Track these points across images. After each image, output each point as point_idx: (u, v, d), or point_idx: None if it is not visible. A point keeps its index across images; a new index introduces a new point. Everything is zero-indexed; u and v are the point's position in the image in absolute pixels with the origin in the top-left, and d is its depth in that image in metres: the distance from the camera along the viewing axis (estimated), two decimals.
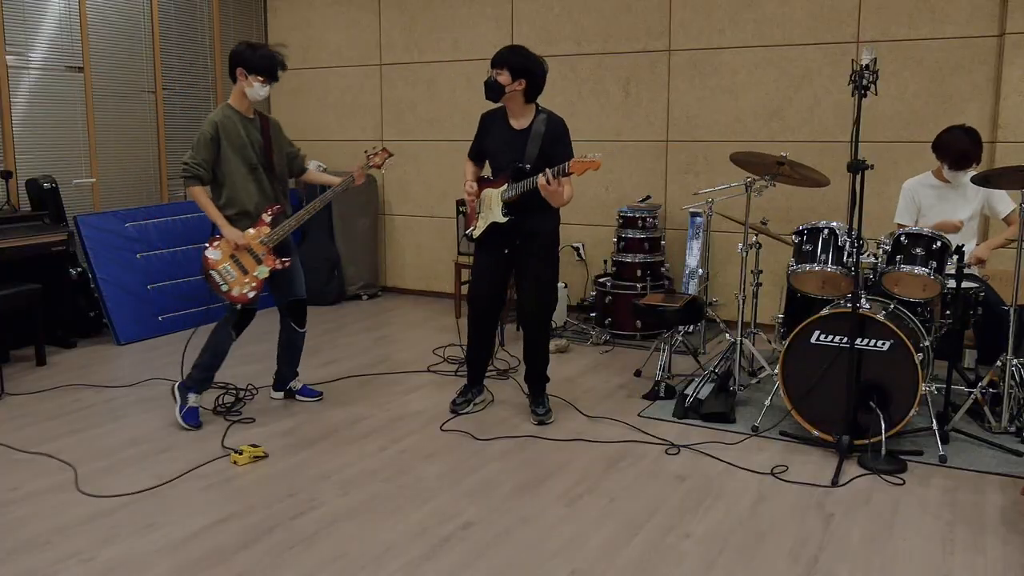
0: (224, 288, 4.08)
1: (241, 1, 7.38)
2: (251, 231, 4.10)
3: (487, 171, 4.32)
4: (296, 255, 4.33)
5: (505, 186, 4.08)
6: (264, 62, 4.01)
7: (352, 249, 7.10)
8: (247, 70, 4.01)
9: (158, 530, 3.11)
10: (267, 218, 4.14)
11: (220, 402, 4.44)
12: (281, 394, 4.60)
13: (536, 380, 4.32)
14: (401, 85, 7.14)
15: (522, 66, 3.96)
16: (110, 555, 2.93)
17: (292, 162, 4.38)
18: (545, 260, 4.17)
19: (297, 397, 4.58)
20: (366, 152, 4.39)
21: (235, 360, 5.24)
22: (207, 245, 4.11)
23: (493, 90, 4.02)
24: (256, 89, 4.03)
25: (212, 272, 4.07)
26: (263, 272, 4.11)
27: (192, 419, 4.15)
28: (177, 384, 4.24)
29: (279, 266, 4.15)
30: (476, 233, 4.20)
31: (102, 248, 5.72)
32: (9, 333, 5.29)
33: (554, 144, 4.05)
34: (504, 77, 3.96)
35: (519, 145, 4.06)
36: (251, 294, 4.09)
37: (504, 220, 4.07)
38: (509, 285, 4.36)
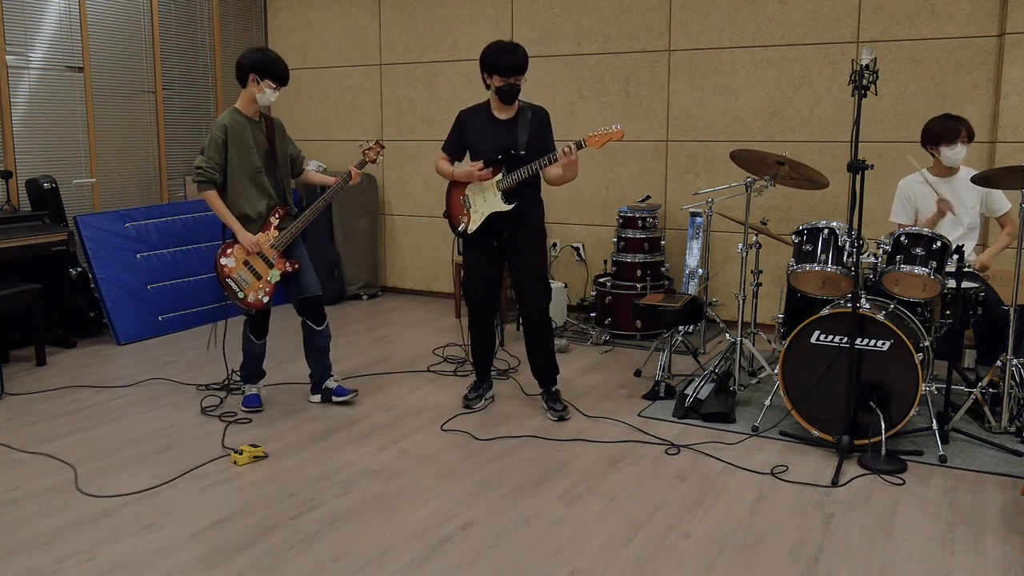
0: (240, 295, 4.12)
1: (241, 1, 7.38)
2: (261, 235, 4.13)
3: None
4: (304, 253, 4.32)
5: (499, 176, 4.11)
6: (277, 67, 4.06)
7: (352, 249, 7.10)
8: (259, 76, 4.03)
9: (158, 530, 3.11)
10: (275, 221, 4.16)
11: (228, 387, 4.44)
12: (318, 397, 4.45)
13: (546, 373, 4.34)
14: (401, 85, 7.13)
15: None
16: (110, 555, 2.93)
17: (293, 164, 4.39)
18: (537, 253, 4.24)
19: (333, 399, 4.42)
20: (360, 146, 4.38)
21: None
22: (220, 253, 4.13)
23: (514, 95, 4.08)
24: (268, 94, 4.07)
25: (228, 280, 4.12)
26: (275, 276, 4.15)
27: (249, 403, 4.33)
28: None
29: (290, 269, 4.18)
30: (472, 228, 4.20)
31: (102, 248, 5.72)
32: (9, 333, 5.29)
33: (542, 131, 4.16)
34: (520, 80, 4.06)
35: (508, 134, 4.12)
36: (265, 299, 4.15)
37: (509, 207, 4.10)
38: (504, 281, 4.40)
